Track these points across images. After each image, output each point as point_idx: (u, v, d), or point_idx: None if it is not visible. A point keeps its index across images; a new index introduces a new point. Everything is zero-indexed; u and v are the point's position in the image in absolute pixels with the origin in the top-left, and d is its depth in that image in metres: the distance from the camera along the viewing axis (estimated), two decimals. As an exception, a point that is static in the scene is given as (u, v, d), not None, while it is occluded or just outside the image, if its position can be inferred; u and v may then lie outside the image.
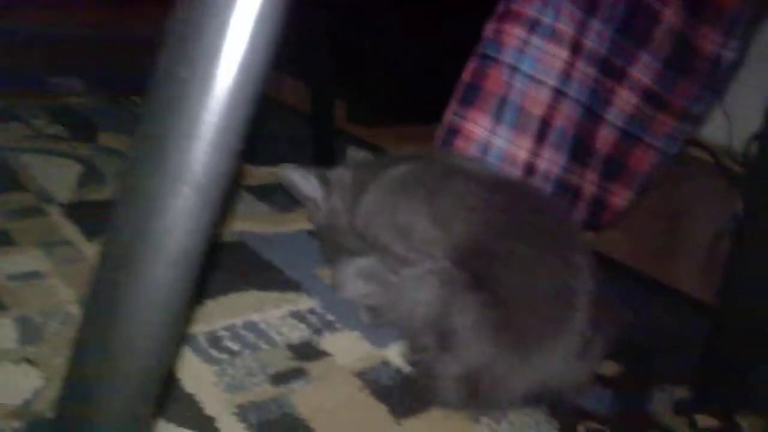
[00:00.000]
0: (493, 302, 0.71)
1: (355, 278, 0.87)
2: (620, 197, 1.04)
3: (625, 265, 1.14)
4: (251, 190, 1.22)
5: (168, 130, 0.33)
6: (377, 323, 0.85)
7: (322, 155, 1.30)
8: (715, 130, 1.77)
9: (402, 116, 1.67)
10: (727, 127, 1.74)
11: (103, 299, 0.34)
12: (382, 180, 0.86)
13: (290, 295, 0.90)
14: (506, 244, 0.76)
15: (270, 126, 1.61)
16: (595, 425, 0.75)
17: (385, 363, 0.80)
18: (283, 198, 1.18)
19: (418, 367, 0.76)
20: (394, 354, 0.81)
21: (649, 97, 0.99)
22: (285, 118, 1.65)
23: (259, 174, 1.29)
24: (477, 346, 0.70)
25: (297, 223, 1.10)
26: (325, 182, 0.91)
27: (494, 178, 0.88)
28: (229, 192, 0.36)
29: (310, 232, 1.07)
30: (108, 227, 0.37)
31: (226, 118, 0.35)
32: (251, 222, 1.09)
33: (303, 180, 0.92)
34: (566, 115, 0.95)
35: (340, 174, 0.92)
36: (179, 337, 0.38)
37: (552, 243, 0.78)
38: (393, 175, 0.85)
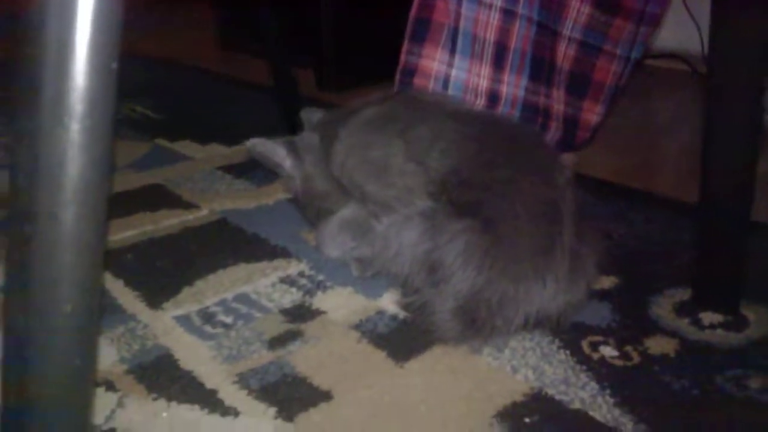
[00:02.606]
0: (479, 228, 0.70)
1: (338, 234, 0.86)
2: (592, 112, 1.03)
3: (611, 182, 1.13)
4: (228, 169, 1.20)
5: (42, 65, 0.31)
6: (368, 274, 0.84)
7: (293, 125, 1.29)
8: (687, 39, 1.75)
9: (370, 76, 1.65)
10: (698, 35, 1.71)
11: (18, 256, 0.33)
12: (352, 123, 0.84)
13: (278, 262, 0.89)
14: (486, 171, 0.75)
15: (240, 105, 1.60)
16: (598, 338, 0.74)
17: (380, 312, 0.79)
18: (261, 172, 1.17)
19: (413, 309, 0.76)
20: (388, 302, 0.80)
21: (600, 3, 0.97)
22: (254, 97, 1.63)
23: (234, 152, 1.28)
24: (468, 275, 0.69)
25: (276, 194, 1.09)
26: (293, 149, 0.90)
27: (464, 111, 0.86)
28: (116, 120, 0.35)
29: (290, 200, 1.06)
30: (9, 178, 0.35)
31: (97, 37, 0.32)
32: (231, 200, 1.08)
33: (271, 151, 0.90)
34: (521, 36, 0.93)
35: (307, 137, 0.91)
36: (98, 277, 0.36)
37: (531, 166, 0.77)
38: (362, 117, 0.84)
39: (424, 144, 0.78)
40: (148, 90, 1.69)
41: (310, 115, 0.95)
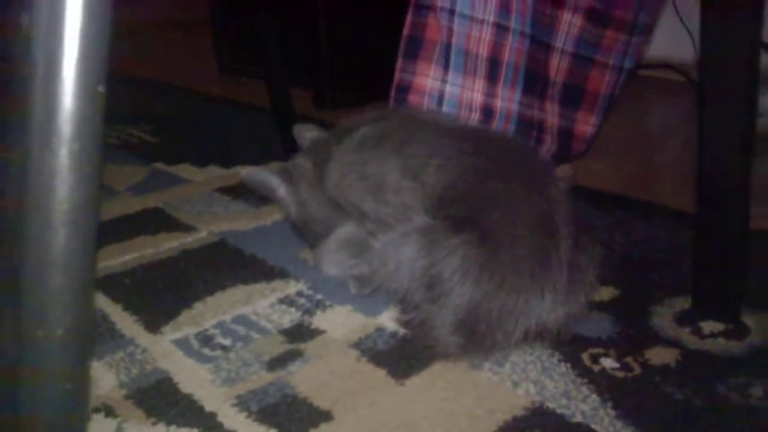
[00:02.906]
0: (477, 241, 0.70)
1: (336, 252, 0.86)
2: (586, 123, 1.03)
3: (608, 192, 1.13)
4: (226, 191, 1.21)
5: (29, 88, 0.32)
6: (366, 292, 0.84)
7: (289, 145, 1.30)
8: (679, 48, 1.76)
9: (367, 95, 1.66)
10: (691, 43, 1.72)
11: (8, 280, 0.33)
12: (347, 142, 0.84)
13: (277, 283, 0.89)
14: (482, 185, 0.75)
15: (238, 127, 1.60)
16: (598, 350, 0.74)
17: (380, 330, 0.79)
18: (257, 195, 1.17)
19: (413, 325, 0.75)
20: (387, 319, 0.80)
21: (592, 15, 0.98)
22: (251, 119, 1.64)
23: (232, 174, 1.28)
24: (466, 289, 0.69)
25: (274, 215, 1.09)
26: (286, 177, 0.90)
27: (458, 127, 0.87)
28: (104, 144, 0.35)
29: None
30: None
31: (85, 60, 0.32)
32: (229, 221, 1.08)
33: (265, 180, 0.91)
34: (514, 50, 0.94)
35: (301, 162, 0.91)
36: (89, 300, 0.36)
37: (526, 180, 0.77)
38: (357, 135, 0.84)
39: (419, 160, 0.78)
40: (146, 114, 1.70)
41: (303, 132, 0.95)
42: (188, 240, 1.02)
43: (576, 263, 0.74)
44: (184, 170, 1.32)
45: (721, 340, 0.75)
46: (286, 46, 1.47)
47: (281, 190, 0.90)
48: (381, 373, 0.71)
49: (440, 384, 0.69)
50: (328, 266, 0.87)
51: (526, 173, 0.78)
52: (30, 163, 0.32)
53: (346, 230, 0.85)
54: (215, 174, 1.30)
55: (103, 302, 0.86)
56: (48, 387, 0.34)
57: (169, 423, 0.65)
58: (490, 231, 0.71)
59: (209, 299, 0.86)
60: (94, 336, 0.36)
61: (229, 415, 0.66)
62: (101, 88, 0.33)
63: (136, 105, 1.80)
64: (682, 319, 0.79)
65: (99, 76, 0.33)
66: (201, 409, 0.67)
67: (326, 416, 0.65)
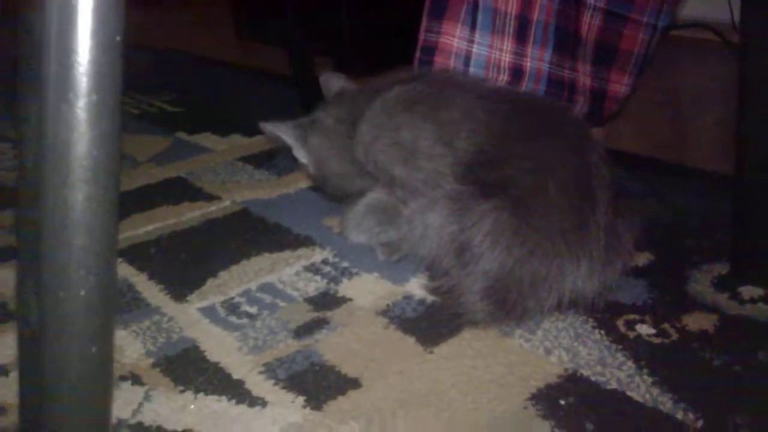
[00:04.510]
0: (508, 206, 0.68)
1: (363, 219, 0.84)
2: (619, 83, 0.99)
3: (643, 156, 1.10)
4: (249, 160, 1.19)
5: (44, 40, 0.30)
6: (394, 258, 0.82)
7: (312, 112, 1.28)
8: (715, 8, 1.69)
9: (387, 61, 1.63)
10: (728, 2, 1.66)
11: (29, 240, 0.32)
12: (378, 104, 0.82)
13: (302, 251, 0.88)
14: (514, 149, 0.73)
15: (259, 95, 1.59)
16: (634, 317, 0.72)
17: (408, 297, 0.77)
18: (282, 161, 1.16)
19: (442, 292, 0.74)
20: (415, 286, 0.79)
21: None
22: (273, 87, 1.62)
23: (254, 143, 1.27)
24: (497, 255, 0.67)
25: (297, 183, 1.08)
26: (304, 130, 0.89)
27: (491, 89, 0.84)
28: (120, 97, 0.33)
29: (312, 188, 1.05)
30: (18, 168, 0.34)
31: (101, 10, 0.31)
32: (252, 190, 1.07)
33: (282, 133, 0.90)
34: (543, 7, 0.90)
35: (320, 117, 0.89)
36: (112, 260, 0.34)
37: (563, 143, 0.74)
38: (389, 96, 0.82)
39: (453, 126, 0.76)
40: (166, 84, 1.69)
41: (331, 82, 0.93)
42: (212, 209, 1.01)
43: (614, 229, 0.71)
44: (206, 139, 1.31)
45: (760, 305, 0.72)
46: (305, 12, 1.44)
47: (297, 146, 0.89)
48: (410, 340, 0.70)
49: (470, 352, 0.68)
50: (356, 234, 0.86)
51: (560, 135, 0.75)
52: (46, 118, 0.31)
53: (374, 196, 0.83)
54: (237, 143, 1.28)
55: (128, 271, 0.85)
56: (71, 350, 0.33)
57: (197, 391, 0.64)
58: (523, 196, 0.69)
59: (234, 268, 0.85)
60: (117, 297, 0.34)
61: (256, 383, 0.65)
62: (119, 38, 0.32)
63: (156, 75, 1.79)
64: (721, 284, 0.76)
65: (116, 26, 0.31)
66: (228, 376, 0.66)
67: (354, 384, 0.64)
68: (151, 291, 0.81)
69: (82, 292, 0.32)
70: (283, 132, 0.89)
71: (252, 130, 1.31)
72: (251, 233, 0.94)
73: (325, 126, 0.88)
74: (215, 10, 2.39)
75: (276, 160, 1.17)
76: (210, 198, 1.05)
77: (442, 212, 0.72)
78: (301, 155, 0.91)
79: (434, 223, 0.73)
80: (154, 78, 1.74)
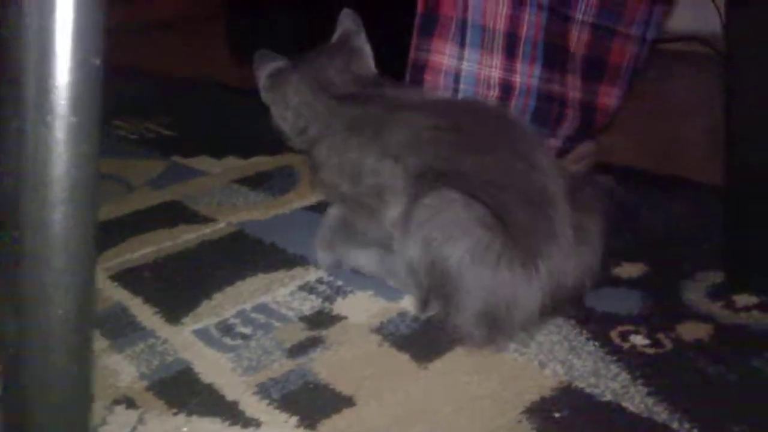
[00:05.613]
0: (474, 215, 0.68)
1: (329, 241, 0.86)
2: (609, 96, 1.00)
3: (634, 168, 1.10)
4: (244, 181, 1.20)
5: (22, 62, 0.30)
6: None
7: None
8: (706, 20, 1.71)
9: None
10: (718, 14, 1.67)
11: (8, 260, 0.32)
12: (335, 124, 0.83)
13: (296, 271, 0.88)
14: (468, 160, 0.73)
15: (255, 117, 1.59)
16: (628, 328, 0.71)
17: (402, 314, 0.77)
18: (277, 183, 1.17)
19: (435, 320, 0.73)
20: (409, 303, 0.79)
21: None
22: (267, 109, 1.63)
23: (249, 165, 1.27)
24: (477, 278, 0.67)
25: (293, 204, 1.08)
26: (275, 79, 0.91)
27: (437, 102, 0.85)
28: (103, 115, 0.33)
29: (307, 209, 1.05)
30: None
31: (79, 32, 0.31)
32: (248, 211, 1.07)
33: (259, 69, 0.92)
34: (531, 23, 0.91)
35: (291, 77, 0.89)
36: (90, 280, 0.34)
37: (512, 149, 0.74)
38: (344, 120, 0.83)
39: (398, 143, 0.76)
40: (162, 108, 1.70)
41: (345, 21, 0.92)
42: (207, 231, 1.02)
43: (580, 224, 0.71)
44: (202, 162, 1.31)
45: (755, 313, 0.72)
46: (299, 33, 1.45)
47: (263, 90, 0.92)
48: (404, 357, 0.70)
49: (464, 367, 0.68)
50: (323, 257, 0.86)
51: (509, 142, 0.74)
52: (25, 139, 0.31)
53: (332, 213, 0.86)
54: (233, 165, 1.29)
55: (123, 295, 0.86)
56: (51, 369, 0.33)
57: (190, 413, 0.64)
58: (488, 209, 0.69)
59: (229, 289, 0.85)
60: (96, 316, 0.35)
61: (250, 404, 0.65)
62: (97, 61, 0.32)
63: (152, 99, 1.80)
64: (715, 293, 0.76)
65: (94, 48, 0.32)
66: (222, 398, 0.66)
67: (348, 402, 0.64)
68: (145, 314, 0.81)
69: (61, 311, 0.33)
70: (261, 71, 0.91)
71: (247, 152, 1.32)
72: (246, 254, 0.94)
73: (296, 81, 0.88)
74: (209, 33, 2.41)
75: (272, 181, 1.18)
76: (205, 220, 1.05)
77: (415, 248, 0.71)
78: (264, 98, 0.92)
79: (412, 255, 0.72)
80: (149, 102, 1.76)
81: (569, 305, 0.71)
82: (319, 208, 1.00)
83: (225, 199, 1.13)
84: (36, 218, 0.32)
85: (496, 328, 0.69)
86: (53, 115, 0.31)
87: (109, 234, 1.02)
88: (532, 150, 0.74)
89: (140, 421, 0.63)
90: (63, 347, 0.33)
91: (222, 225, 1.03)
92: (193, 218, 1.06)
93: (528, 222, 0.68)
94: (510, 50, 0.91)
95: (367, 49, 0.89)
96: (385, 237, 0.78)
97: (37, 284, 0.33)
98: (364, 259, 0.84)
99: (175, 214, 1.08)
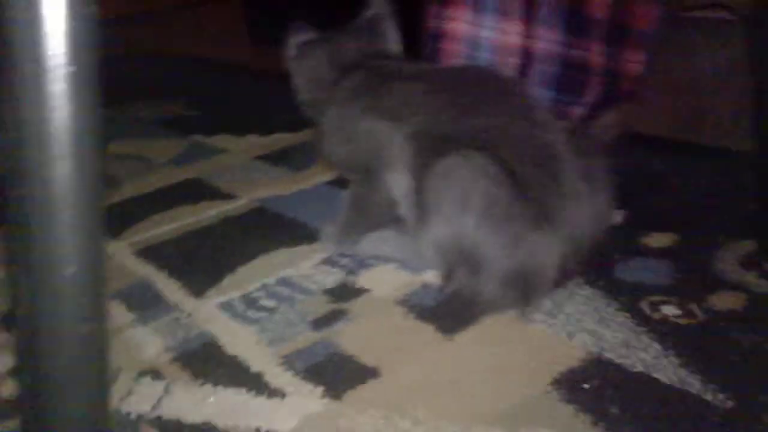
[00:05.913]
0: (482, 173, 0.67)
1: (335, 240, 0.85)
2: (634, 61, 0.97)
3: (662, 137, 1.07)
4: (265, 158, 1.19)
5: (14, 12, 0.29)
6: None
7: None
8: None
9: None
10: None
11: (15, 218, 0.31)
12: (339, 94, 0.83)
13: (319, 245, 0.87)
14: (469, 122, 0.72)
15: (274, 97, 1.59)
16: (659, 298, 0.70)
17: (426, 286, 0.76)
18: (298, 158, 1.16)
19: (459, 296, 0.72)
20: (434, 276, 0.78)
21: None
22: (287, 88, 1.62)
23: (270, 142, 1.27)
24: (499, 242, 0.66)
25: (314, 179, 1.07)
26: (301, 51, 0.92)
27: (437, 69, 0.85)
28: (101, 67, 0.32)
29: (328, 183, 1.04)
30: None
31: None
32: (269, 187, 1.07)
33: (290, 41, 0.93)
34: None
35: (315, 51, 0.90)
36: (99, 236, 0.34)
37: (511, 108, 0.73)
38: (346, 88, 0.83)
39: (395, 107, 0.76)
40: (182, 89, 1.70)
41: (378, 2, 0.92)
42: (229, 207, 1.01)
43: (588, 173, 0.70)
44: (223, 140, 1.31)
45: (791, 283, 0.70)
46: (316, 16, 1.43)
47: (289, 56, 0.92)
48: (429, 329, 0.69)
49: (491, 338, 0.67)
50: (339, 243, 0.86)
51: (508, 102, 0.74)
52: (23, 91, 0.30)
53: (345, 200, 0.85)
54: (254, 142, 1.28)
55: (147, 270, 0.86)
56: (63, 329, 0.33)
57: (216, 384, 0.64)
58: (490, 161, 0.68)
59: (252, 263, 0.85)
60: (105, 274, 0.34)
61: (275, 375, 0.64)
62: (93, 8, 0.31)
63: (172, 81, 1.80)
64: (748, 262, 0.74)
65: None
66: (247, 369, 0.66)
67: (374, 373, 0.63)
68: (170, 288, 0.81)
69: (71, 270, 0.32)
70: (291, 39, 0.92)
71: (268, 130, 1.31)
72: (269, 229, 0.94)
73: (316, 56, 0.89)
74: (228, 16, 2.40)
75: (293, 157, 1.17)
76: (227, 197, 1.05)
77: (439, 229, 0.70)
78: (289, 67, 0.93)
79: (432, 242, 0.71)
80: (170, 84, 1.76)
81: (589, 257, 0.70)
82: (341, 182, 0.99)
83: (246, 176, 1.13)
84: (39, 174, 0.31)
85: (525, 287, 0.67)
86: (51, 65, 0.30)
87: (133, 211, 1.02)
88: (530, 107, 0.73)
89: (166, 391, 0.63)
90: (73, 307, 0.33)
91: (244, 201, 1.03)
92: (215, 195, 1.06)
93: (539, 178, 0.67)
94: (529, 15, 0.89)
95: (393, 34, 0.88)
96: (396, 209, 0.78)
97: (43, 241, 0.32)
98: (379, 247, 0.83)
99: (197, 191, 1.08)
